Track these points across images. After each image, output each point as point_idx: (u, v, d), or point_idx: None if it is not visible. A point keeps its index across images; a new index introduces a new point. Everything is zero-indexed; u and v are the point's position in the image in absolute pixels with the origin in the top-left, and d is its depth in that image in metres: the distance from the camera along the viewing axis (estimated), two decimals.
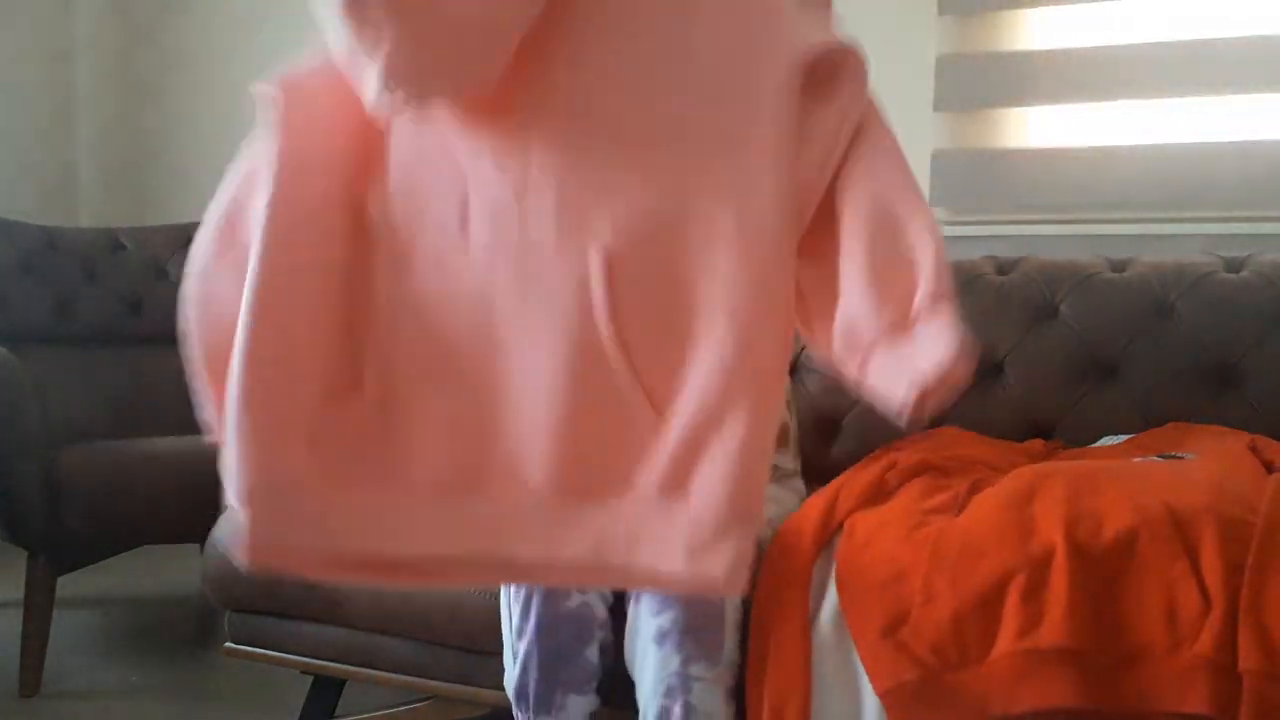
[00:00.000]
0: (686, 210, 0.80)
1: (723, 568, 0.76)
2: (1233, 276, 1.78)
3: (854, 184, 0.81)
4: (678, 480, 0.77)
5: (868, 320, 0.75)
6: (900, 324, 0.75)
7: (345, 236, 0.85)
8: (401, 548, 0.81)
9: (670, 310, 0.79)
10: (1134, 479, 1.22)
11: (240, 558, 0.81)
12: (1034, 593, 1.06)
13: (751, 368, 0.78)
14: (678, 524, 0.77)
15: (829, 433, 1.86)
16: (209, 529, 1.55)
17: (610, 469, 0.79)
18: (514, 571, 0.86)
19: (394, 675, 1.46)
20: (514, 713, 1.25)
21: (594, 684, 1.23)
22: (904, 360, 0.74)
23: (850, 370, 0.79)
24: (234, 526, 0.82)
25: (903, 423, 0.78)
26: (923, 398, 0.74)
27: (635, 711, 1.20)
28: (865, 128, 0.82)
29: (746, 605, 1.21)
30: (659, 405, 0.79)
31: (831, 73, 0.80)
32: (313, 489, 0.81)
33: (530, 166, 0.81)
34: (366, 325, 0.84)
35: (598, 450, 0.79)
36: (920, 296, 0.74)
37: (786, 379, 0.81)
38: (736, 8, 0.82)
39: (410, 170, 0.85)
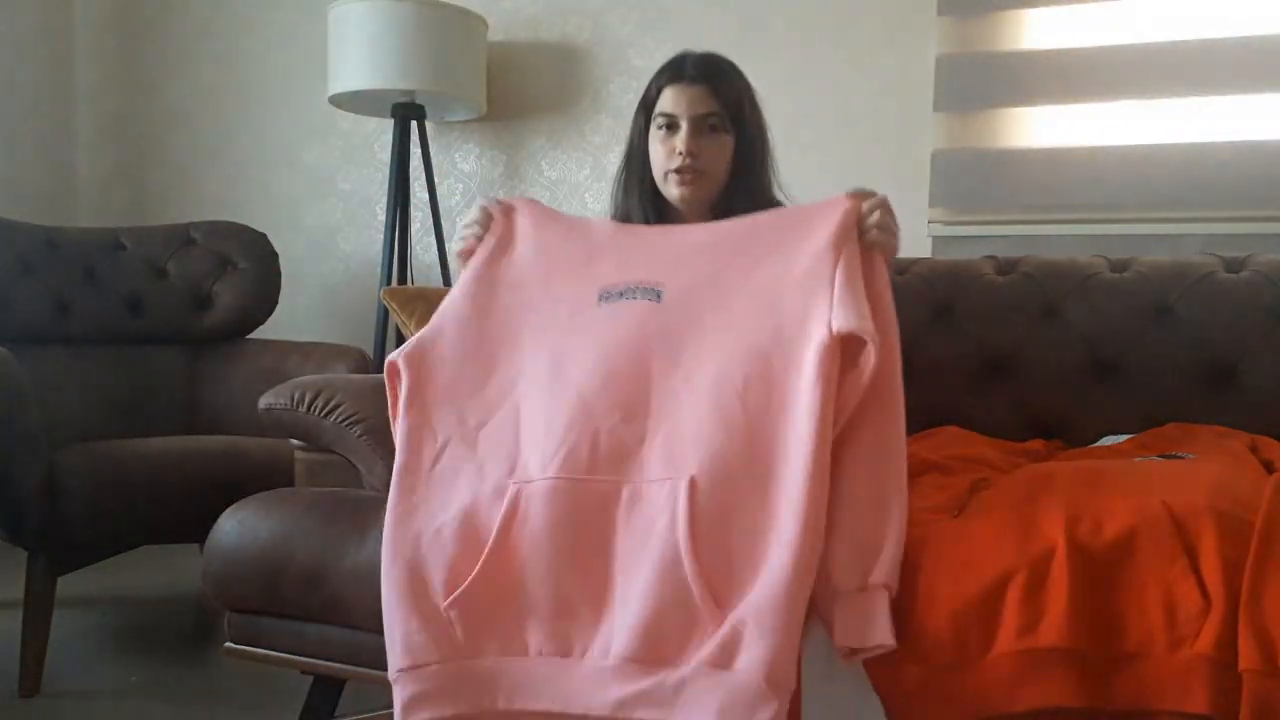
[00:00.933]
0: (753, 454, 1.13)
1: None
2: (1233, 276, 1.77)
3: (857, 450, 1.16)
4: (725, 658, 1.03)
5: (842, 577, 1.09)
6: (859, 588, 1.09)
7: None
8: (516, 703, 1.10)
9: (736, 533, 1.10)
10: (1134, 479, 1.22)
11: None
12: (1034, 592, 1.06)
13: (797, 584, 1.05)
14: (718, 689, 1.03)
15: None
16: (209, 529, 1.55)
17: (674, 648, 1.06)
18: None
19: None
20: None
21: None
22: (850, 619, 1.08)
23: (819, 601, 1.10)
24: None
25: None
26: (852, 655, 1.08)
27: None
28: (878, 392, 1.16)
29: None
30: (721, 602, 1.06)
31: (859, 348, 1.16)
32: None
33: (648, 419, 1.19)
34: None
35: (667, 635, 1.06)
36: (874, 578, 1.09)
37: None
38: (801, 302, 1.21)
39: (545, 410, 1.22)
